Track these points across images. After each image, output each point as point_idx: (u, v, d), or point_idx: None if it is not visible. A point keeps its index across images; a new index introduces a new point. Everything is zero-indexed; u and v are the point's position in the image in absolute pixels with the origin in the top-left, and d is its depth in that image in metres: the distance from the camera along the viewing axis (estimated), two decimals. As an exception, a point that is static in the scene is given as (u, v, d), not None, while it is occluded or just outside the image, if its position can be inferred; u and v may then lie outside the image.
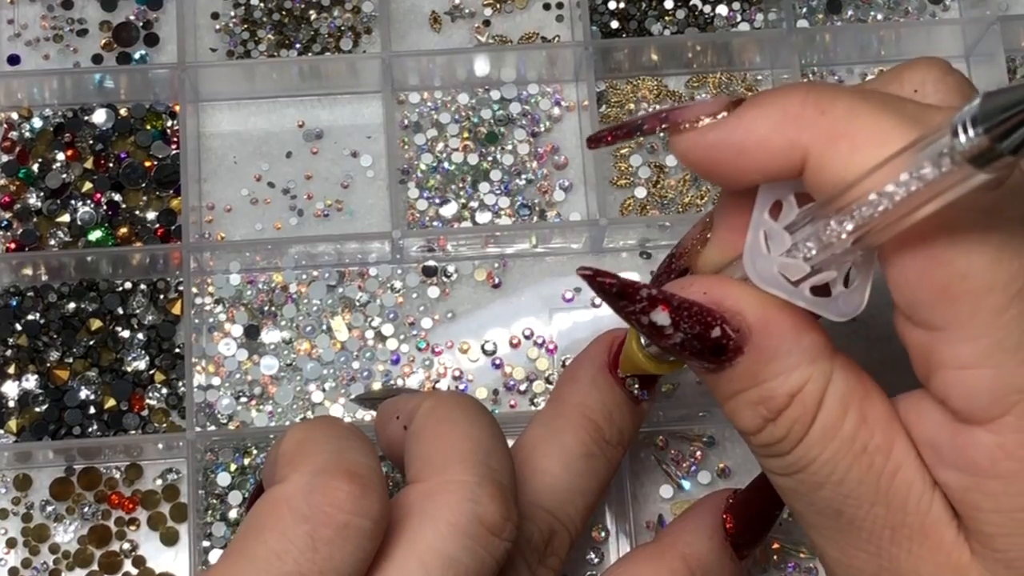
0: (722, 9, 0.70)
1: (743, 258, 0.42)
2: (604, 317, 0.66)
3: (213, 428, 0.64)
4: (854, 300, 0.42)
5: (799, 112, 0.40)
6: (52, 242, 0.66)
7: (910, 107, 0.40)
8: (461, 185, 0.67)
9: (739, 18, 0.70)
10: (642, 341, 0.51)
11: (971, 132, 0.34)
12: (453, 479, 0.44)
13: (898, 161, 0.37)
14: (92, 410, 0.64)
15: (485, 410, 0.47)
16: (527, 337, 0.66)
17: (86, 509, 0.63)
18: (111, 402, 0.64)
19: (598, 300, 0.67)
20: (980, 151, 0.34)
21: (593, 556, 0.62)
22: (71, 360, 0.65)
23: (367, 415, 0.64)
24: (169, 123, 0.68)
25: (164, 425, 0.64)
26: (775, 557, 0.62)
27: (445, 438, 0.45)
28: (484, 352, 0.66)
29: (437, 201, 0.67)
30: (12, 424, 0.64)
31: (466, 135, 0.68)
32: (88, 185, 0.67)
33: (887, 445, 0.41)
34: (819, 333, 0.42)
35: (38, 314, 0.65)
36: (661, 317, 0.41)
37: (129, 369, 0.65)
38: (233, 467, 0.63)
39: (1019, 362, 0.39)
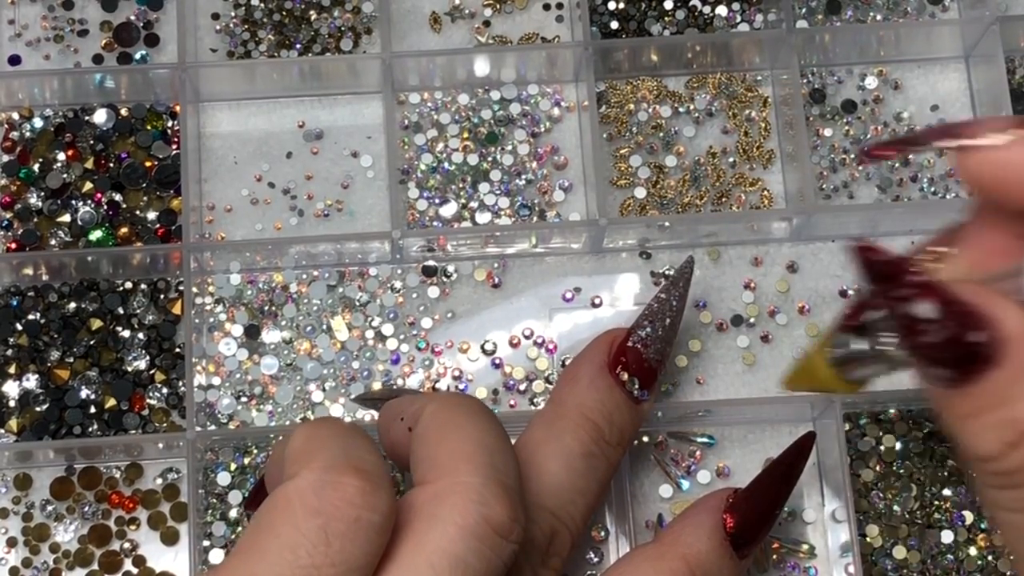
0: (722, 10, 0.70)
1: (1018, 274, 0.40)
2: (604, 317, 0.66)
3: (213, 428, 0.64)
4: None
5: None
6: (52, 242, 0.66)
7: None
8: (461, 185, 0.68)
9: (739, 19, 0.70)
10: (831, 355, 0.46)
11: None
12: (460, 481, 0.44)
13: None
14: (92, 410, 0.64)
15: (490, 411, 0.47)
16: (527, 337, 0.66)
17: (86, 509, 0.63)
18: (111, 402, 0.64)
19: (597, 300, 0.67)
20: None
21: (593, 556, 0.62)
22: (71, 360, 0.65)
23: (367, 415, 0.64)
24: (169, 123, 0.68)
25: (164, 425, 0.64)
26: (775, 557, 0.62)
27: (451, 440, 0.45)
28: (484, 352, 0.66)
29: (437, 201, 0.67)
30: (12, 424, 0.64)
31: (466, 135, 0.68)
32: (88, 185, 0.67)
33: None
34: None
35: (38, 314, 0.65)
36: (927, 309, 0.38)
37: (129, 369, 0.65)
38: (233, 467, 0.63)
39: None
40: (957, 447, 0.40)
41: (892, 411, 0.64)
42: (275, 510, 0.43)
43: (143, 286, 0.66)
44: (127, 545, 0.63)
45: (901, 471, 0.63)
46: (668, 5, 0.70)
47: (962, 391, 0.39)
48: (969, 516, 0.63)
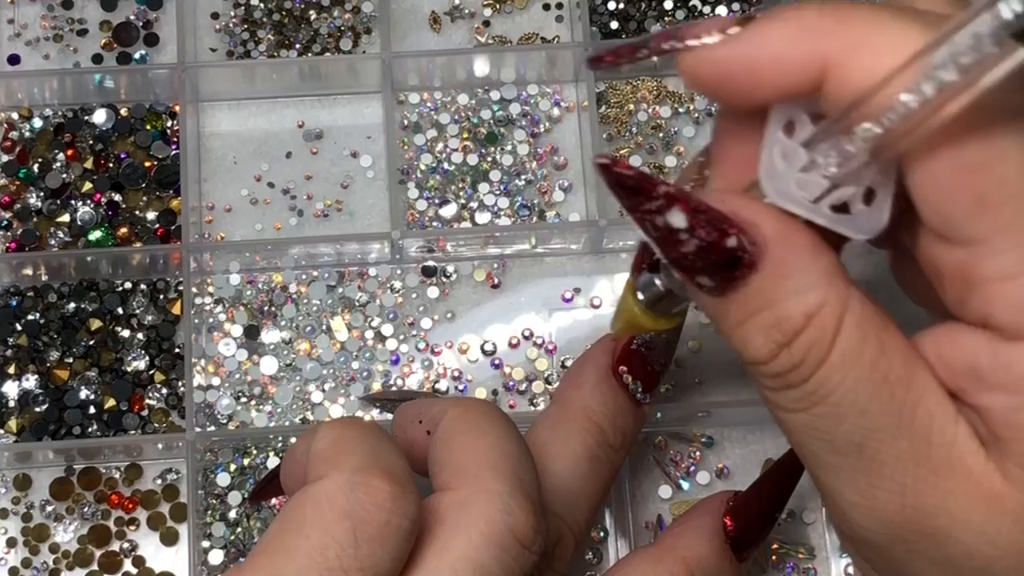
0: (721, 10, 0.70)
1: (759, 175, 0.40)
2: (604, 317, 0.66)
3: (213, 428, 0.64)
4: (876, 217, 0.40)
5: (817, 23, 0.39)
6: (52, 242, 0.66)
7: (931, 16, 0.38)
8: (461, 185, 0.68)
9: (739, 19, 0.70)
10: (638, 296, 0.49)
11: (1017, 5, 0.32)
12: (486, 489, 0.43)
13: (925, 58, 0.35)
14: (92, 410, 0.64)
15: (509, 418, 0.47)
16: (526, 337, 0.66)
17: (86, 509, 0.63)
18: (111, 402, 0.64)
19: (597, 300, 0.67)
20: None
21: (592, 556, 0.62)
22: (71, 360, 0.65)
23: (366, 416, 0.64)
24: (169, 123, 0.68)
25: (164, 425, 0.64)
26: (774, 558, 0.62)
27: (476, 446, 0.45)
28: (483, 352, 0.66)
29: (437, 201, 0.67)
30: (12, 424, 0.64)
31: (466, 135, 0.68)
32: (88, 185, 0.67)
33: (907, 376, 0.40)
34: (835, 257, 0.40)
35: (38, 314, 0.65)
36: (677, 218, 0.39)
37: (129, 369, 0.65)
38: (233, 467, 0.63)
39: None
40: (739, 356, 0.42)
41: (892, 412, 0.63)
42: (303, 511, 0.42)
43: (143, 286, 0.66)
44: (126, 545, 0.63)
45: (900, 472, 0.63)
46: (668, 5, 0.70)
47: (728, 299, 0.40)
48: (968, 517, 0.62)
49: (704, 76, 0.41)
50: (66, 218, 0.67)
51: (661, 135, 0.69)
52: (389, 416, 0.58)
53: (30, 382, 0.64)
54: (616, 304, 0.51)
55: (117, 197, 0.67)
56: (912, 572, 0.42)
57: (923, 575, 0.42)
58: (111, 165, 0.67)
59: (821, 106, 0.40)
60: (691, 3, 0.70)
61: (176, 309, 0.66)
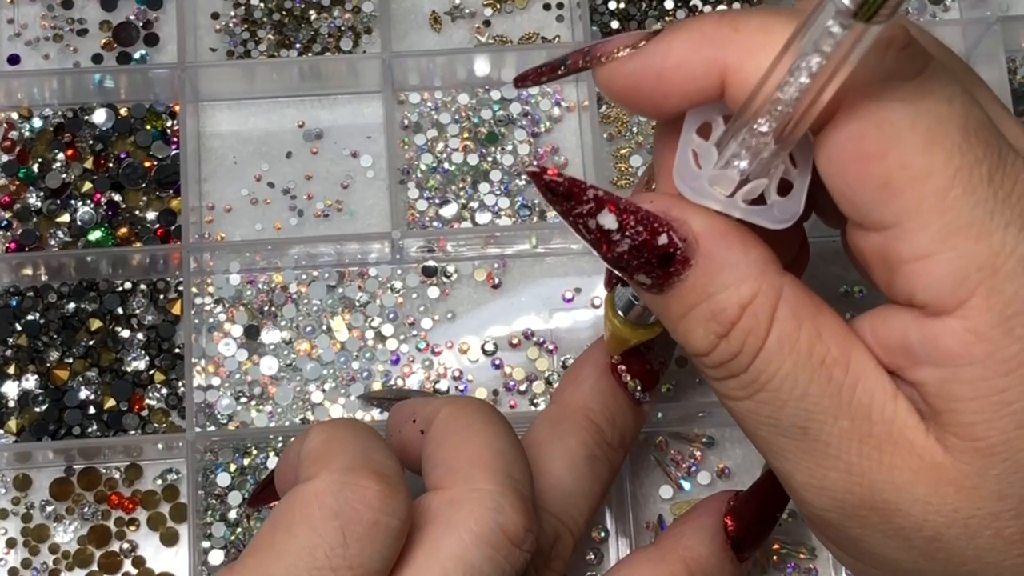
0: (722, 9, 0.70)
1: (673, 175, 0.43)
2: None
3: (213, 428, 0.64)
4: (790, 207, 0.42)
5: (714, 31, 0.41)
6: (52, 242, 0.66)
7: None
8: (461, 185, 0.67)
9: (739, 18, 0.70)
10: (617, 310, 0.51)
11: None
12: (477, 488, 0.44)
13: (795, 50, 0.38)
14: (92, 410, 0.64)
15: (503, 416, 0.47)
16: (527, 337, 0.66)
17: (86, 509, 0.63)
18: (111, 402, 0.64)
19: (597, 300, 0.66)
20: (860, 3, 0.35)
21: (592, 556, 0.62)
22: (71, 360, 0.65)
23: (367, 416, 0.64)
24: (169, 123, 0.68)
25: (164, 425, 0.64)
26: (775, 558, 0.62)
27: (468, 445, 0.45)
28: (484, 352, 0.66)
29: (437, 201, 0.67)
30: (12, 424, 0.64)
31: (466, 135, 0.68)
32: (88, 185, 0.67)
33: (844, 358, 0.41)
34: (767, 249, 0.42)
35: (38, 314, 0.65)
36: (608, 219, 0.41)
37: (129, 369, 0.65)
38: (233, 467, 0.63)
39: (974, 239, 0.39)
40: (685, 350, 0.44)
41: (893, 412, 0.63)
42: (292, 510, 0.42)
43: (142, 286, 0.66)
44: (126, 546, 0.63)
45: (902, 472, 0.63)
46: (668, 5, 0.70)
47: (667, 295, 0.42)
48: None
49: (618, 88, 0.44)
50: (66, 218, 0.67)
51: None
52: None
53: (30, 382, 0.64)
54: (606, 331, 0.53)
55: (117, 197, 0.67)
56: (867, 546, 0.43)
57: (878, 548, 0.43)
58: (111, 165, 0.67)
59: (729, 105, 0.42)
60: (692, 3, 0.70)
61: (176, 309, 0.66)
